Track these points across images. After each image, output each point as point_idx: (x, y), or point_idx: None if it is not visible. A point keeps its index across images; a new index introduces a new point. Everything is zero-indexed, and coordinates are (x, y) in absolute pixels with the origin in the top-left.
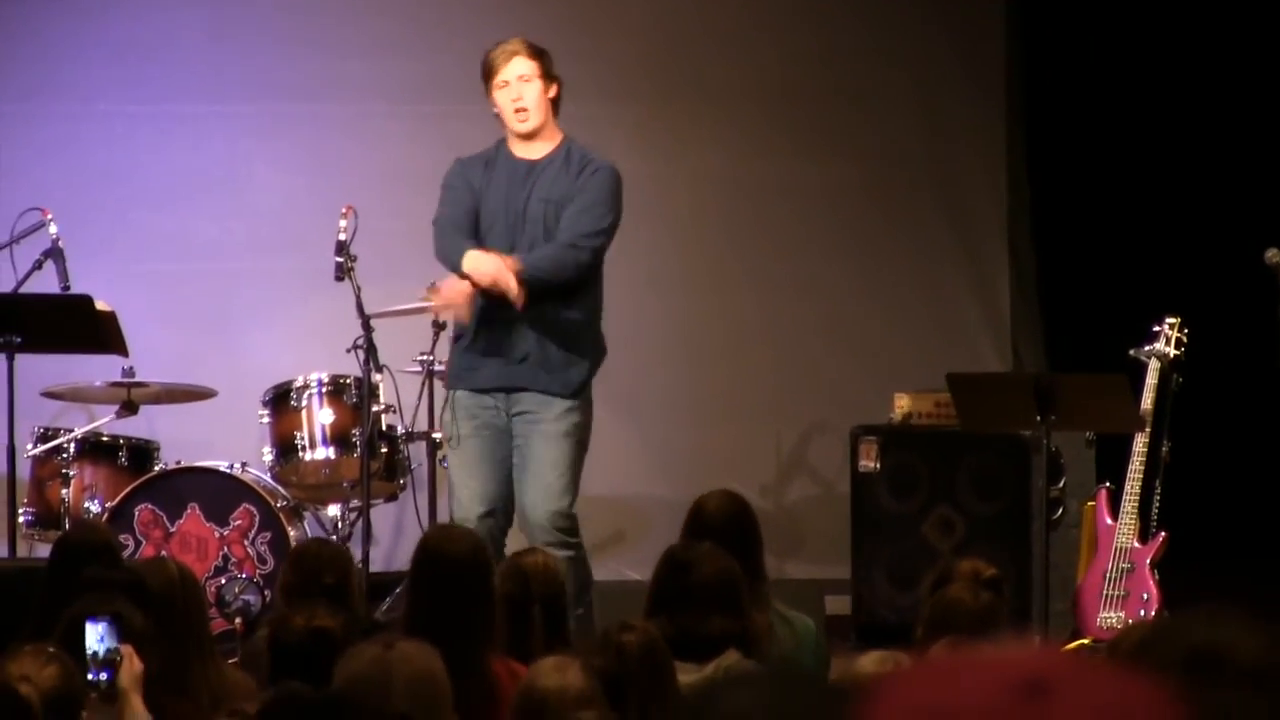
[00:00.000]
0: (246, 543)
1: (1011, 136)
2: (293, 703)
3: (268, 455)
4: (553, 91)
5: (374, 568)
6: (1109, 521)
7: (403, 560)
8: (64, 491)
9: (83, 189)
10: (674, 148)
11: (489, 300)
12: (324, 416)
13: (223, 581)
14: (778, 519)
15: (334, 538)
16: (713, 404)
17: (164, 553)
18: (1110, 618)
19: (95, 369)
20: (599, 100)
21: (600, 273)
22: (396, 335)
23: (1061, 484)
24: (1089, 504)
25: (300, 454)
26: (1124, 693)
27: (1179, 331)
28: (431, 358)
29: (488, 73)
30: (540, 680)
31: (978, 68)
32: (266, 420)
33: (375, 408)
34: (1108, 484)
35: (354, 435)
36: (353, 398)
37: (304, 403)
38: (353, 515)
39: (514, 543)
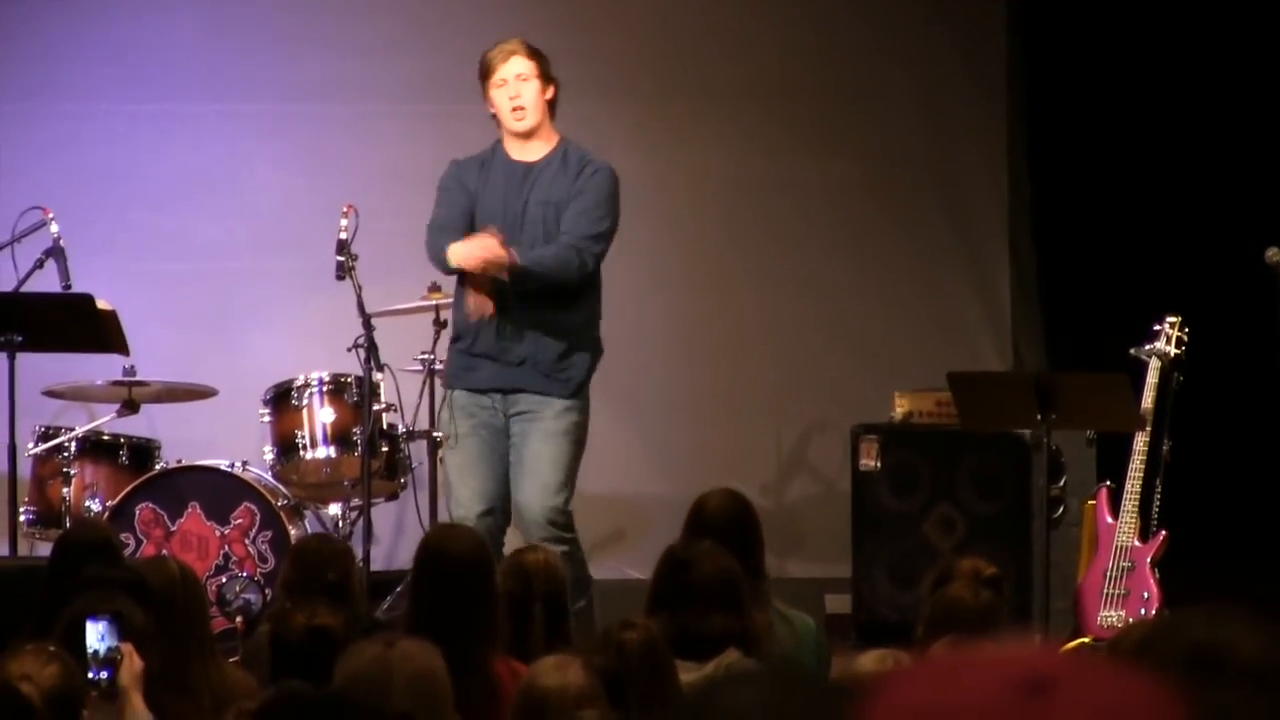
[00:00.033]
0: (247, 541)
1: (1012, 135)
2: (293, 701)
3: (268, 454)
4: (550, 93)
5: (375, 566)
6: (1109, 520)
7: (403, 559)
8: (65, 490)
9: (84, 188)
10: (674, 146)
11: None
12: (325, 415)
13: (223, 580)
14: (778, 518)
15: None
16: (713, 402)
17: (165, 551)
18: (1110, 616)
19: (96, 368)
20: (599, 98)
21: (599, 276)
22: (397, 334)
23: (1062, 483)
24: (1089, 503)
25: (301, 453)
26: (1125, 691)
27: (1179, 330)
28: (432, 356)
29: (485, 72)
30: (541, 679)
31: (979, 66)
32: (267, 419)
33: (376, 406)
34: (1108, 483)
35: (355, 434)
36: (353, 396)
37: (305, 401)
38: (353, 514)
39: (512, 542)
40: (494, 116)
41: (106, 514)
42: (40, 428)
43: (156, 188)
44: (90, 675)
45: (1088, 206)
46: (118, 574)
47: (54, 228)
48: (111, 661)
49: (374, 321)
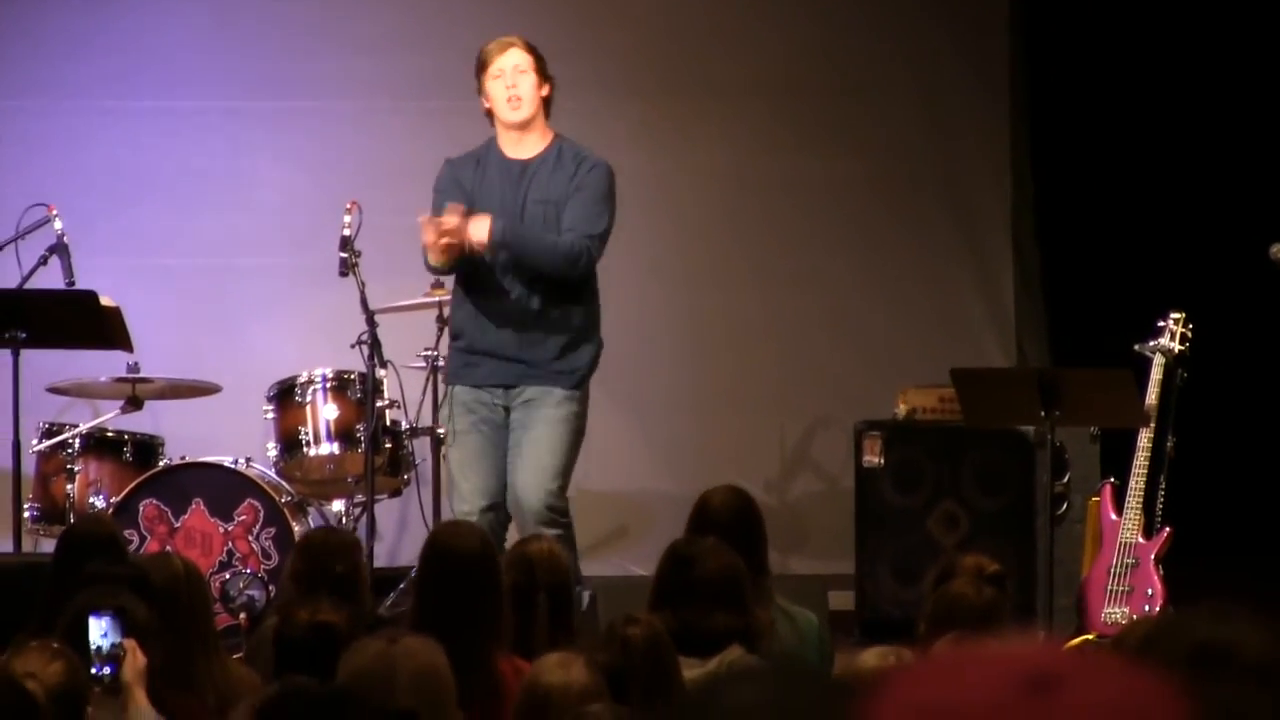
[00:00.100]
0: (251, 538)
1: (1016, 132)
2: (297, 697)
3: (272, 450)
4: (545, 90)
5: (378, 563)
6: (1113, 517)
7: (407, 556)
8: (69, 487)
9: (88, 185)
10: (678, 143)
11: (486, 297)
12: (328, 412)
13: (227, 577)
14: (781, 514)
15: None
16: (717, 399)
17: (169, 548)
18: (1114, 613)
19: (100, 364)
20: (603, 95)
21: (595, 274)
22: (401, 330)
23: (1066, 479)
24: (1093, 499)
25: (305, 449)
26: (1130, 688)
27: (1183, 327)
28: (435, 353)
29: (481, 65)
30: (544, 676)
31: (982, 64)
32: (271, 415)
33: (379, 403)
34: (1112, 479)
35: (358, 430)
36: (357, 393)
37: (308, 398)
38: (357, 510)
39: (515, 539)
40: (488, 113)
41: (110, 510)
42: (44, 424)
43: (160, 184)
44: (93, 671)
45: (1091, 203)
46: (121, 570)
47: (58, 224)
48: (114, 657)
49: (377, 318)
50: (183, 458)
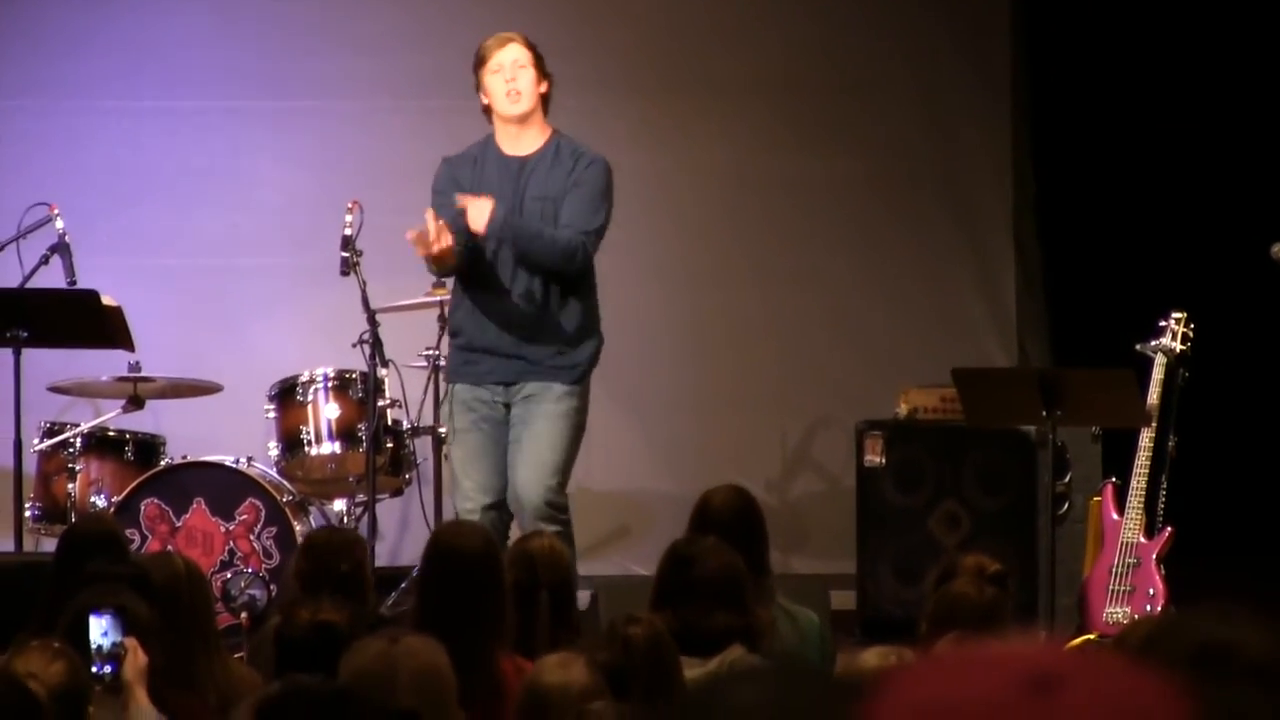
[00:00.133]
0: (252, 537)
1: (1017, 131)
2: (299, 695)
3: (273, 450)
4: (544, 87)
5: (379, 563)
6: (1115, 517)
7: (408, 555)
8: (70, 486)
9: (89, 184)
10: (678, 141)
11: (486, 294)
12: (330, 411)
13: (228, 576)
14: (783, 514)
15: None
16: (717, 399)
17: (170, 547)
18: (1116, 613)
19: (101, 364)
20: (603, 93)
21: (593, 269)
22: (402, 330)
23: (1067, 479)
24: (1095, 499)
25: (306, 449)
26: (1132, 689)
27: (1185, 326)
28: (437, 352)
29: (480, 60)
30: (544, 677)
31: (983, 62)
32: (272, 415)
33: (381, 402)
34: (1113, 479)
35: (359, 430)
36: (358, 392)
37: (310, 397)
38: (358, 510)
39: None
40: (486, 109)
41: (111, 510)
42: (45, 423)
43: (162, 183)
44: (94, 670)
45: (1092, 202)
46: (122, 569)
47: (59, 223)
48: (115, 656)
49: (379, 317)
50: (184, 457)
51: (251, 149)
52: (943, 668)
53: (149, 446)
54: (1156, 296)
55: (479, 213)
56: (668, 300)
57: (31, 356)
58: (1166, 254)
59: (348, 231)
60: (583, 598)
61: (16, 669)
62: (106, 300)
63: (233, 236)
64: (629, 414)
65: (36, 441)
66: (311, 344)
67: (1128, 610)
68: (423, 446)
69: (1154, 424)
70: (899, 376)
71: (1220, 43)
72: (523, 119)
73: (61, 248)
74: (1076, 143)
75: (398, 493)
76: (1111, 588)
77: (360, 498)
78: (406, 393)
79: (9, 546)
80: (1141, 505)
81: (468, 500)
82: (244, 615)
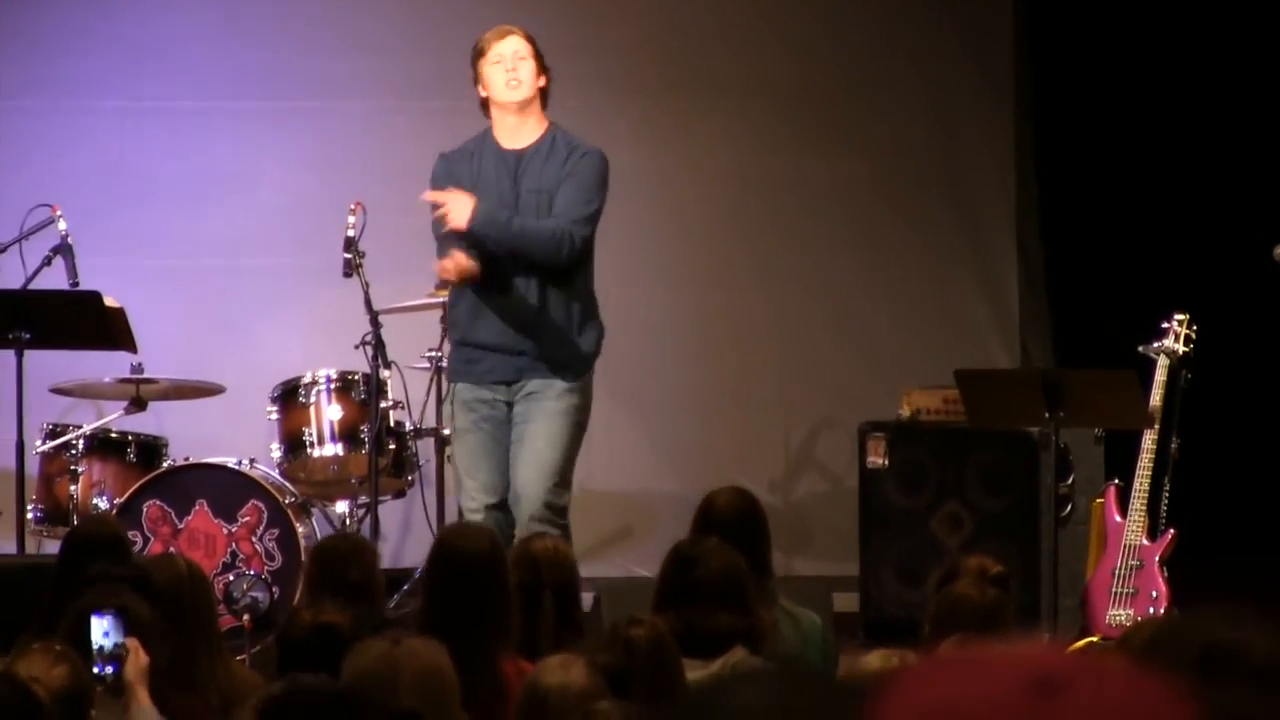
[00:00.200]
0: (254, 539)
1: (1020, 132)
2: (301, 695)
3: (276, 451)
4: (543, 81)
5: (382, 564)
6: (1118, 518)
7: (410, 557)
8: (72, 488)
9: (92, 185)
10: (680, 141)
11: (484, 292)
12: (332, 413)
13: (230, 578)
14: (785, 515)
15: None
16: (720, 400)
17: (172, 549)
18: (1119, 615)
19: (104, 365)
20: (605, 92)
21: (591, 259)
22: (405, 331)
23: (1070, 480)
24: (1097, 501)
25: (308, 450)
26: (1137, 691)
27: (1188, 328)
28: (439, 354)
29: (479, 53)
30: (544, 678)
31: (987, 64)
32: (275, 416)
33: (383, 404)
34: (1116, 481)
35: (362, 431)
36: (361, 394)
37: (312, 399)
38: (361, 511)
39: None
40: (483, 102)
41: (114, 511)
42: (48, 425)
43: (164, 185)
44: (95, 670)
45: (1095, 204)
46: (124, 570)
47: (62, 225)
48: (116, 657)
49: (381, 319)
50: (186, 459)
51: (254, 150)
52: (946, 670)
53: (151, 448)
54: (1159, 298)
55: (460, 209)
56: (670, 300)
57: (34, 358)
58: (1169, 255)
59: (350, 233)
60: (585, 599)
61: (19, 672)
62: (109, 301)
63: (235, 237)
64: (631, 414)
65: (39, 443)
66: (314, 345)
67: (1131, 612)
68: (425, 448)
69: (1157, 425)
70: (902, 377)
71: (1223, 44)
72: (521, 108)
73: (64, 249)
74: (1079, 143)
75: (400, 494)
76: (1114, 590)
77: (362, 499)
78: (409, 394)
79: (11, 548)
80: (1144, 507)
81: (471, 500)
82: (246, 617)
